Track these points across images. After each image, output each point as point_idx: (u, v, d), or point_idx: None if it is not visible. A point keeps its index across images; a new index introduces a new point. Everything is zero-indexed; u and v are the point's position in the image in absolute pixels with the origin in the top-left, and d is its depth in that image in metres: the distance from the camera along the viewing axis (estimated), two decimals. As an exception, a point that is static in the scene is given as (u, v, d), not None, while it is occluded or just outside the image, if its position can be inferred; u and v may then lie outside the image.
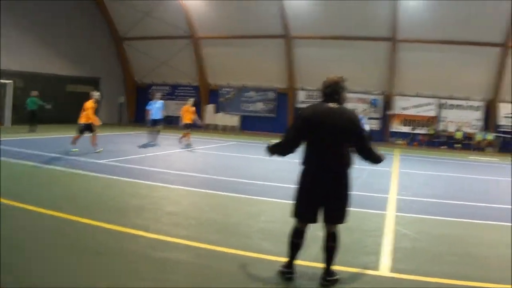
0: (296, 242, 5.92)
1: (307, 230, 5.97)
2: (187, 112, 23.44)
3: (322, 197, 5.76)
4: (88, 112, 17.27)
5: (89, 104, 17.39)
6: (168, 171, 14.84)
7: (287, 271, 5.96)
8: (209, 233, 7.98)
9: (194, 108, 24.02)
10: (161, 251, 6.88)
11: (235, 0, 33.68)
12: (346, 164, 5.79)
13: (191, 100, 24.37)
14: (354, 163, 5.87)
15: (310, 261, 6.55)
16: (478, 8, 30.04)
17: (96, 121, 17.50)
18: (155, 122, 22.97)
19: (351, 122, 5.77)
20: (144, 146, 21.61)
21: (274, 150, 6.10)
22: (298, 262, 6.10)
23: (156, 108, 23.04)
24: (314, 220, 5.86)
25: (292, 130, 5.89)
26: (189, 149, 21.91)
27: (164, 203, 10.27)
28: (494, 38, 31.85)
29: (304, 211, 5.86)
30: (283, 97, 37.97)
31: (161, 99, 24.03)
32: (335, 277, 5.94)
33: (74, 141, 17.40)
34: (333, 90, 5.89)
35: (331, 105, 5.79)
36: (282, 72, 36.99)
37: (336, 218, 5.87)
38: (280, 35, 35.02)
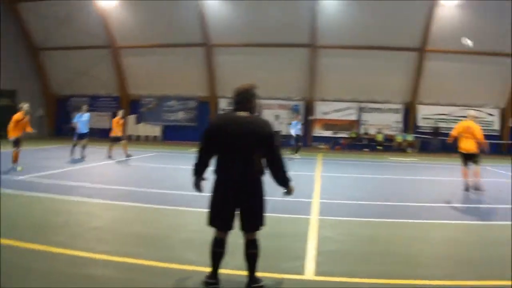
0: (217, 251, 5.91)
1: (226, 239, 5.97)
2: (117, 124, 22.98)
3: (236, 205, 5.79)
4: (11, 125, 16.64)
5: (16, 117, 16.72)
6: (91, 185, 14.39)
7: (211, 282, 5.91)
8: (133, 247, 7.81)
9: (123, 120, 23.70)
10: (84, 267, 6.65)
11: (155, 8, 33.28)
12: (258, 171, 5.82)
13: (121, 112, 23.95)
14: (263, 169, 5.89)
15: (234, 269, 6.51)
16: (394, 14, 31.02)
17: (17, 134, 16.79)
18: (81, 136, 22.28)
19: (262, 131, 5.78)
20: (67, 160, 20.96)
21: (196, 172, 6.12)
22: (222, 271, 6.05)
23: (83, 121, 22.44)
24: (229, 228, 5.89)
25: (203, 143, 5.95)
26: (113, 161, 21.47)
27: (87, 219, 9.91)
28: (411, 43, 32.95)
29: (219, 219, 5.89)
30: (205, 105, 37.72)
31: (87, 111, 23.28)
32: (260, 284, 5.93)
33: (16, 158, 16.76)
34: (244, 98, 5.92)
35: (241, 113, 5.83)
36: (203, 80, 36.83)
37: (252, 226, 5.89)
38: (200, 43, 34.91)
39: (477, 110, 33.84)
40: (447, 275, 6.82)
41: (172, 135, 38.04)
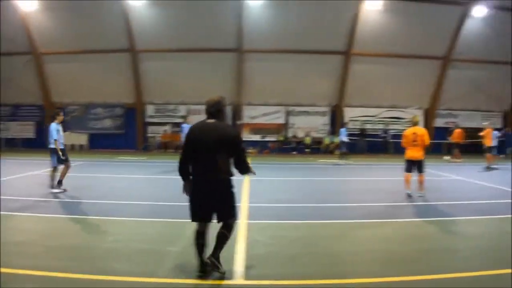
0: (199, 243, 6.64)
1: (207, 231, 6.68)
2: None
3: (209, 201, 6.54)
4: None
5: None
6: (12, 197, 13.70)
7: (200, 274, 6.60)
8: (58, 260, 7.51)
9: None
10: (5, 284, 6.31)
11: (79, 13, 32.23)
12: (223, 172, 6.55)
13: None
14: (230, 170, 6.63)
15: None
16: (320, 18, 31.70)
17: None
18: None
19: (227, 136, 6.59)
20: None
21: (183, 177, 6.77)
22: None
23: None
24: (208, 220, 6.65)
25: (184, 148, 6.74)
26: (37, 172, 20.71)
27: (8, 233, 9.32)
28: (336, 46, 33.73)
29: (196, 213, 6.63)
30: (132, 112, 37.26)
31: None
32: (217, 266, 6.62)
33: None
34: (215, 108, 6.72)
35: (209, 121, 6.66)
36: (130, 86, 36.24)
37: (224, 217, 6.65)
38: (126, 49, 34.38)
39: (402, 111, 35.23)
40: (373, 272, 6.98)
41: (99, 143, 37.21)
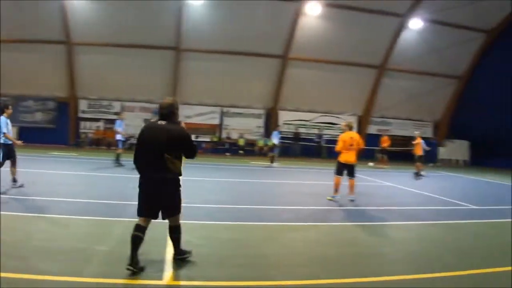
0: (137, 235, 6.71)
1: (147, 227, 6.88)
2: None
3: (154, 197, 6.79)
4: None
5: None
6: None
7: (131, 268, 6.50)
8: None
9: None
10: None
11: (12, 1, 30.88)
12: (172, 172, 6.84)
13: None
14: (178, 170, 6.91)
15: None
16: (259, 22, 32.42)
17: None
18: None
19: (176, 137, 6.76)
20: None
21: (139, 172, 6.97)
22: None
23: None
24: (152, 216, 6.92)
25: (136, 148, 6.95)
26: None
27: None
28: (274, 50, 34.23)
29: (143, 210, 6.85)
30: (64, 106, 36.24)
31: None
32: (183, 256, 7.35)
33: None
34: (167, 110, 6.89)
35: (160, 122, 6.84)
36: (63, 80, 35.25)
37: (167, 213, 7.01)
38: (60, 41, 33.35)
39: (336, 117, 35.77)
40: (302, 274, 7.06)
41: (30, 137, 35.76)
